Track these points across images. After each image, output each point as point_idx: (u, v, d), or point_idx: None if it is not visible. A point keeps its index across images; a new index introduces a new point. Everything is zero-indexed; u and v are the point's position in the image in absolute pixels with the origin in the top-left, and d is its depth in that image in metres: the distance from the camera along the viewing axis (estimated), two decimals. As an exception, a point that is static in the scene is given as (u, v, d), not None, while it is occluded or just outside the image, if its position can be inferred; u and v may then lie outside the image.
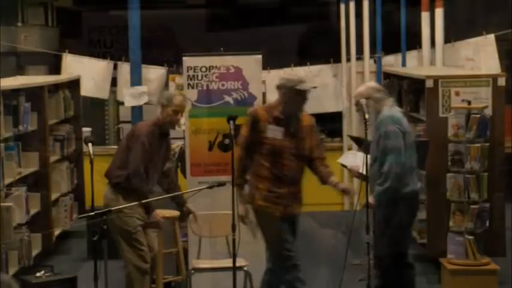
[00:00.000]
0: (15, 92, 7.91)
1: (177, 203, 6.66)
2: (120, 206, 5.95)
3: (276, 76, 11.17)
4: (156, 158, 6.37)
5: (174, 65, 10.91)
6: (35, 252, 8.03)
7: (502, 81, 7.58)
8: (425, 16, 10.53)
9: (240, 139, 6.16)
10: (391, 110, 6.33)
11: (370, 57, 10.90)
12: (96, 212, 5.66)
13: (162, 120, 6.43)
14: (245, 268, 6.52)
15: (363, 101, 6.15)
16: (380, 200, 6.21)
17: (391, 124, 6.22)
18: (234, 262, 6.06)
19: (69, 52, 11.02)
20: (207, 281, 6.95)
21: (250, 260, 6.63)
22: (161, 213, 6.50)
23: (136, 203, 6.14)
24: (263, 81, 8.06)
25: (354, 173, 6.72)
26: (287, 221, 6.12)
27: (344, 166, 7.00)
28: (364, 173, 6.39)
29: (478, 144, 7.16)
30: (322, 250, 8.41)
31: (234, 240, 6.03)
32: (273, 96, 10.88)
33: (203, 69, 7.40)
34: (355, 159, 6.71)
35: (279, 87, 6.13)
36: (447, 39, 10.71)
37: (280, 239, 6.09)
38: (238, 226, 6.09)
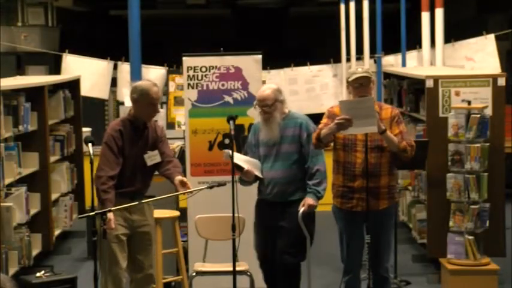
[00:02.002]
0: (15, 92, 7.91)
1: (167, 176, 6.25)
2: (120, 206, 5.93)
3: (276, 76, 11.27)
4: (134, 152, 6.13)
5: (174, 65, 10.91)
6: (35, 252, 8.03)
7: (502, 81, 7.58)
8: (425, 16, 10.53)
9: (319, 126, 6.12)
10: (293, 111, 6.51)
11: (370, 57, 10.91)
12: (96, 212, 5.66)
13: (137, 115, 6.15)
14: (248, 273, 6.50)
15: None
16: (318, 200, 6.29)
17: (312, 124, 6.31)
18: (234, 262, 6.06)
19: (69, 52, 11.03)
20: (208, 284, 6.94)
21: (251, 261, 6.62)
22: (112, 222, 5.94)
23: (137, 203, 6.11)
24: (263, 81, 8.06)
25: (248, 176, 6.35)
26: (369, 216, 6.01)
27: (238, 168, 6.38)
28: (260, 176, 6.34)
29: (478, 144, 7.16)
30: (322, 250, 8.42)
31: (234, 240, 6.04)
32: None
33: (203, 69, 7.40)
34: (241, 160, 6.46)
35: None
36: (447, 39, 10.71)
37: (345, 245, 6.16)
38: (238, 227, 6.10)
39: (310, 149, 6.29)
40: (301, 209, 6.20)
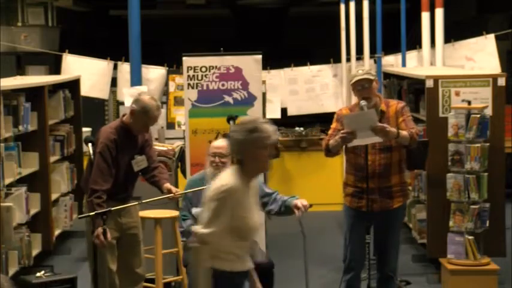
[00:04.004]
0: (15, 92, 7.91)
1: (155, 184, 6.27)
2: (120, 207, 5.93)
3: (276, 76, 11.26)
4: (127, 159, 6.11)
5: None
6: (35, 252, 8.03)
7: (502, 81, 7.58)
8: (425, 16, 10.53)
9: (328, 132, 6.21)
10: None
11: (370, 57, 10.90)
12: (96, 212, 5.66)
13: (131, 125, 6.07)
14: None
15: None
16: None
17: None
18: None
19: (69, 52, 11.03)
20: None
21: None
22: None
23: (136, 203, 6.11)
24: (263, 81, 8.06)
25: None
26: (378, 216, 6.10)
27: None
28: None
29: (478, 144, 7.16)
30: (322, 250, 8.42)
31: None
32: (272, 96, 10.98)
33: (203, 69, 7.40)
34: None
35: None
36: (447, 39, 10.71)
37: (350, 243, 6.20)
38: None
39: (268, 190, 6.25)
40: (298, 213, 6.14)
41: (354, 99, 6.29)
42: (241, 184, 4.40)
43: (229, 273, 4.43)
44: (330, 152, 6.15)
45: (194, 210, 6.21)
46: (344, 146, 6.16)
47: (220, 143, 6.39)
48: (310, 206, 6.20)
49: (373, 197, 6.06)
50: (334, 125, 6.20)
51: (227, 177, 4.43)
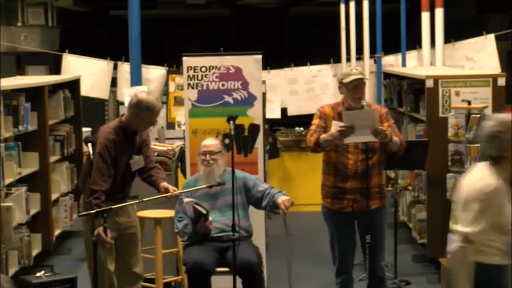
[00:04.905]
0: (15, 92, 7.91)
1: (152, 183, 6.27)
2: (119, 205, 5.92)
3: (276, 76, 11.27)
4: (125, 159, 6.09)
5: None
6: (35, 252, 8.03)
7: (502, 81, 7.58)
8: (425, 16, 10.53)
9: (311, 128, 6.16)
10: None
11: (370, 57, 10.90)
12: (96, 211, 5.66)
13: (133, 125, 6.09)
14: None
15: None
16: None
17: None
18: (234, 263, 6.06)
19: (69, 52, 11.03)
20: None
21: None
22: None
23: (137, 201, 6.11)
24: (263, 81, 8.05)
25: (208, 228, 6.35)
26: (360, 217, 6.10)
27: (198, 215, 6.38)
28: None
29: (478, 144, 7.16)
30: (318, 250, 8.42)
31: (234, 240, 6.04)
32: (272, 96, 10.98)
33: (203, 69, 7.39)
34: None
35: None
36: (447, 39, 10.71)
37: (337, 246, 6.22)
38: (238, 226, 6.12)
39: (262, 187, 6.44)
40: (283, 207, 6.21)
41: None
42: (501, 183, 4.54)
43: (495, 266, 4.60)
44: (319, 147, 6.04)
45: (186, 200, 6.29)
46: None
47: (210, 142, 6.55)
48: (292, 203, 6.27)
49: (353, 197, 6.04)
50: (317, 122, 6.12)
51: (487, 177, 4.55)
